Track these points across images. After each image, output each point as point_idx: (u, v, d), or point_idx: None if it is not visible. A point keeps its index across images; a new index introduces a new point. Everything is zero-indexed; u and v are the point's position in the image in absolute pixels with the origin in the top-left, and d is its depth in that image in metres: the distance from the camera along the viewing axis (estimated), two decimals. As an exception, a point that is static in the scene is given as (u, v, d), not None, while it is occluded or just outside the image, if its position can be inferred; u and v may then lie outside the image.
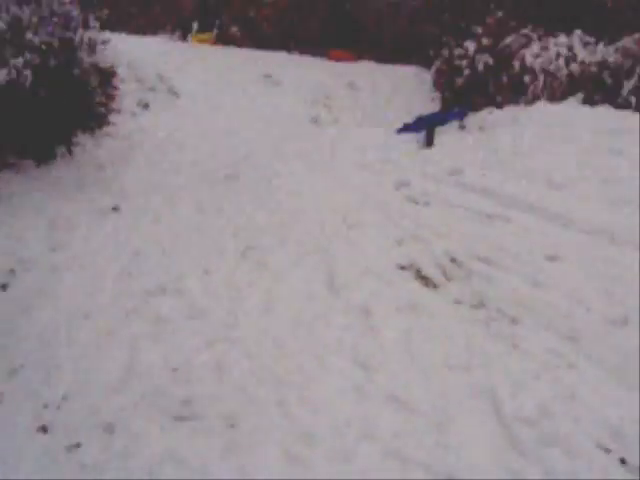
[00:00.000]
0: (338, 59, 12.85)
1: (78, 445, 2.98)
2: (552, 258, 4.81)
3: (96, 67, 6.85)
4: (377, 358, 3.61)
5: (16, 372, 3.54)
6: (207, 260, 4.93)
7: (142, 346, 3.78)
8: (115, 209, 5.88)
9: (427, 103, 10.34)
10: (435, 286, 4.53)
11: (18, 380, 3.48)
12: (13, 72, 5.69)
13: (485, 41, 9.53)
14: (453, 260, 4.85)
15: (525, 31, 9.45)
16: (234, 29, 15.95)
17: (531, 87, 8.73)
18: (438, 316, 4.10)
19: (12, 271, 4.61)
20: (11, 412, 3.23)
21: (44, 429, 3.10)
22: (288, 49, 14.80)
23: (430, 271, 4.70)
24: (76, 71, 6.43)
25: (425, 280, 4.60)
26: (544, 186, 6.00)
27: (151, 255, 5.04)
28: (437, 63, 10.61)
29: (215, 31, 14.19)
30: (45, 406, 3.25)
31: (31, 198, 5.65)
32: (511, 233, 5.29)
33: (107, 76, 7.17)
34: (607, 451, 2.91)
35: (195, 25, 14.27)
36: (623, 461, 2.85)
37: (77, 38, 6.60)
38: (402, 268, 4.78)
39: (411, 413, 3.15)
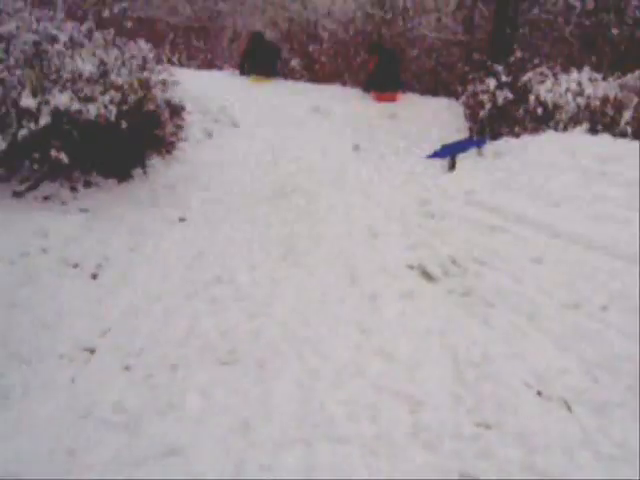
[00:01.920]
0: (383, 100, 13.71)
1: (151, 375, 4.15)
2: (536, 260, 5.82)
3: (168, 102, 8.11)
4: (375, 327, 4.72)
5: (105, 333, 4.71)
6: (255, 260, 6.04)
7: (200, 318, 4.91)
8: (182, 220, 7.06)
9: (459, 132, 11.38)
10: (434, 280, 5.61)
11: (107, 338, 4.65)
12: (101, 107, 6.93)
13: (504, 78, 10.60)
14: (453, 261, 5.90)
15: (541, 69, 10.52)
16: (293, 63, 17.24)
17: (544, 118, 9.76)
18: (430, 301, 5.18)
19: (100, 265, 5.80)
20: (102, 358, 4.41)
21: (127, 368, 4.28)
22: (342, 82, 16.01)
23: (432, 269, 5.75)
24: (151, 106, 7.67)
25: (427, 276, 5.68)
26: (542, 203, 7.01)
27: (210, 255, 6.15)
28: (463, 98, 11.72)
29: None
30: (128, 354, 4.44)
31: (114, 210, 6.86)
32: (506, 241, 6.31)
33: (177, 110, 8.41)
34: (529, 386, 3.99)
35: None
36: (539, 393, 3.92)
37: (152, 78, 7.87)
38: (410, 267, 5.85)
39: (392, 361, 4.25)
